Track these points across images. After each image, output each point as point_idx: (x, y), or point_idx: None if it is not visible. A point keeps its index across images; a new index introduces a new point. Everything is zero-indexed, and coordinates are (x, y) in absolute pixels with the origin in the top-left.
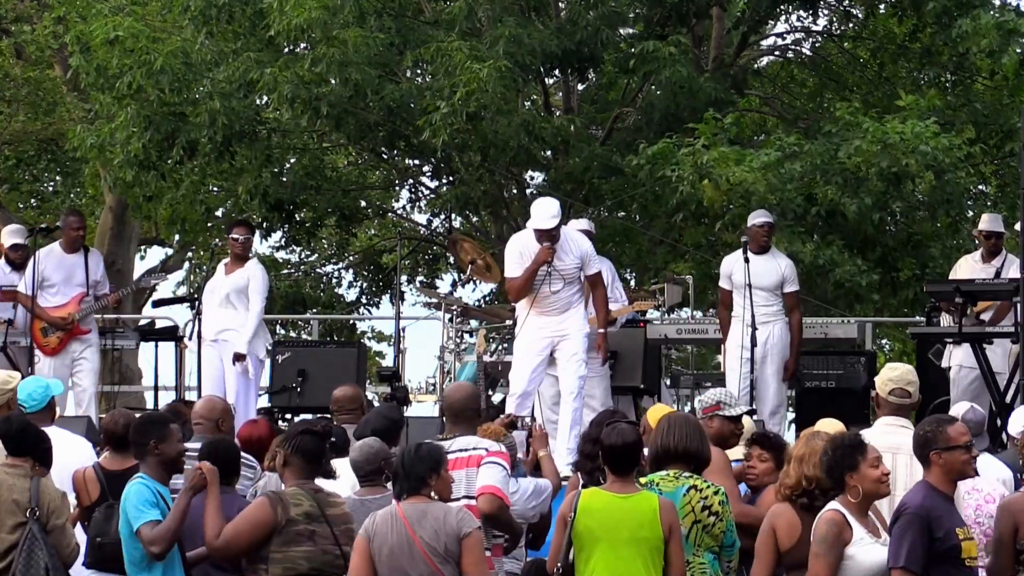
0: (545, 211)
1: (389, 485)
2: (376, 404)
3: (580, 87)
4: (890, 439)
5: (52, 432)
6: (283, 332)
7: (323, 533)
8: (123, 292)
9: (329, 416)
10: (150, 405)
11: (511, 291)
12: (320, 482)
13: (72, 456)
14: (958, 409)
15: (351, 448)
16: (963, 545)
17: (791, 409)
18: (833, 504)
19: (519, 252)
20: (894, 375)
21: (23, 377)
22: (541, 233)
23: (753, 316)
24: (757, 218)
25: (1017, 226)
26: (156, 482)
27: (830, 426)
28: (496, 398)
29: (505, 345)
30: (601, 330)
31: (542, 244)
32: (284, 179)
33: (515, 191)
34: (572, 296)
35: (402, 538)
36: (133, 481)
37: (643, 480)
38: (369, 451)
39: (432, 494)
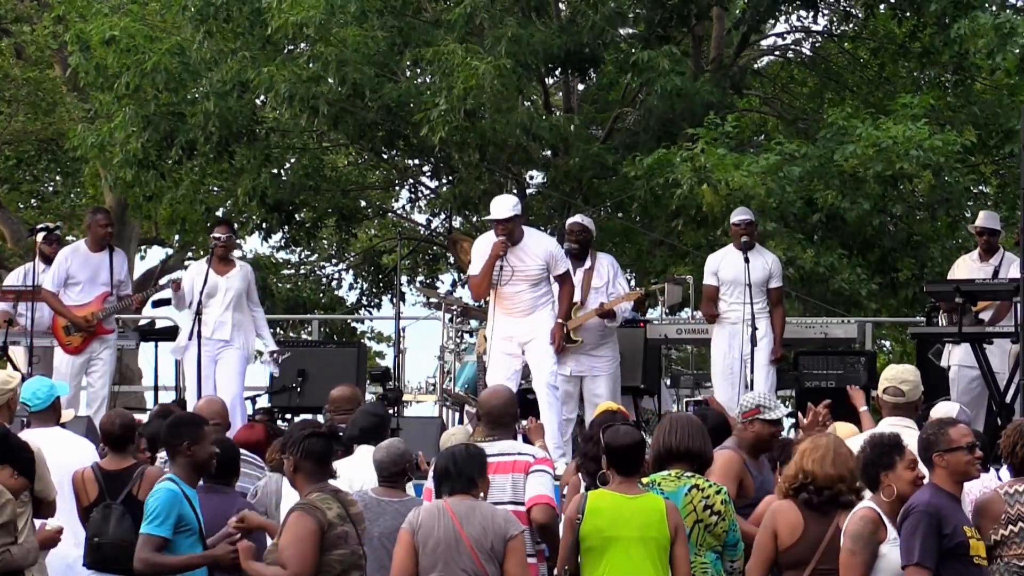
0: (502, 204)
1: (409, 487)
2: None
3: (580, 87)
4: None
5: (55, 433)
6: (283, 333)
7: (352, 534)
8: (147, 294)
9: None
10: (150, 405)
11: (471, 288)
12: None
13: (74, 457)
14: (948, 408)
15: (376, 448)
16: (971, 543)
17: (787, 405)
18: (867, 502)
19: (482, 254)
20: (889, 375)
21: (23, 377)
22: (496, 225)
23: (753, 315)
24: (735, 216)
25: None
26: (185, 484)
27: (842, 429)
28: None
29: None
30: (560, 320)
31: (497, 239)
32: (283, 180)
33: (515, 190)
34: (538, 299)
35: (449, 532)
36: (163, 482)
37: (645, 480)
38: (396, 453)
39: (479, 494)
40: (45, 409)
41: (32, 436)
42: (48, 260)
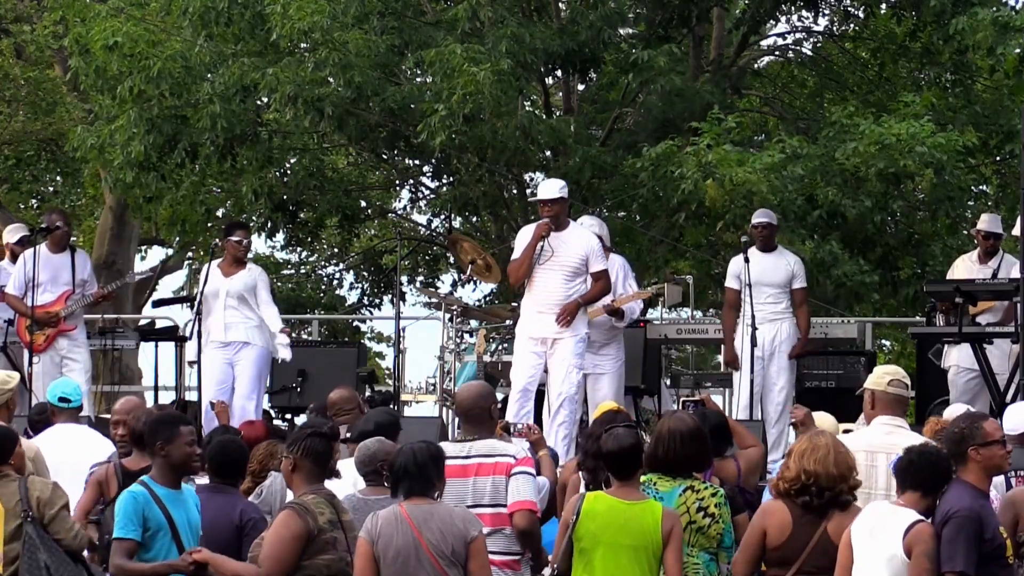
0: (550, 185)
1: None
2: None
3: (580, 87)
4: (888, 439)
5: (75, 429)
6: None
7: (341, 540)
8: (108, 288)
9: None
10: (150, 405)
11: (511, 274)
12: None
13: (90, 453)
14: (957, 411)
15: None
16: (1006, 544)
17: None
18: (911, 513)
19: (524, 242)
20: (889, 369)
21: (23, 377)
22: (542, 206)
23: (753, 316)
24: (755, 218)
25: (1015, 231)
26: (161, 486)
27: (823, 420)
28: (497, 397)
29: (505, 345)
30: (580, 300)
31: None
32: (287, 178)
33: (515, 191)
34: (569, 294)
35: (409, 541)
36: (132, 486)
37: (642, 479)
38: (367, 453)
39: (437, 496)
40: (72, 409)
41: (54, 433)
42: (16, 261)
